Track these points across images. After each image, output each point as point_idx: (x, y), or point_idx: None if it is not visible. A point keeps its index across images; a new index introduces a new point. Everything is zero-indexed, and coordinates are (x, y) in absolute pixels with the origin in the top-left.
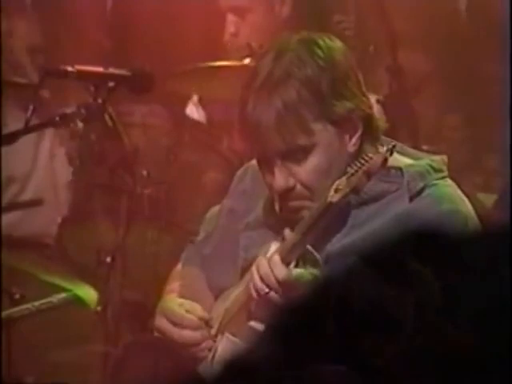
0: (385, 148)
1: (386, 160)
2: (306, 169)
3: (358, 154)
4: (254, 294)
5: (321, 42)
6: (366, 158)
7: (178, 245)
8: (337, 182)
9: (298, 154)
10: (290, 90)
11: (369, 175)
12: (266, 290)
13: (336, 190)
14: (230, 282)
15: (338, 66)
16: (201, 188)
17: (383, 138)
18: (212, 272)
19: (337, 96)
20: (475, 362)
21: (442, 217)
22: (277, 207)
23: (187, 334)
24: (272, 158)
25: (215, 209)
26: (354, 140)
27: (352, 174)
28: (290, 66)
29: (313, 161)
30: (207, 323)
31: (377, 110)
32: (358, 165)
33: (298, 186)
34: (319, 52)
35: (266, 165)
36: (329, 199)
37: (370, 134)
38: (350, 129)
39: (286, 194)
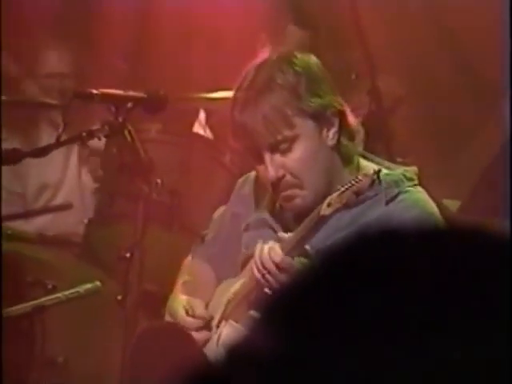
0: (372, 172)
1: (373, 182)
2: (293, 158)
3: (337, 148)
4: (259, 264)
5: (297, 55)
6: (357, 180)
7: (187, 242)
8: (329, 197)
9: (284, 144)
10: (274, 95)
11: (358, 194)
12: (272, 265)
13: (328, 205)
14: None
15: (312, 71)
16: (207, 195)
17: (366, 152)
18: (219, 269)
19: (312, 95)
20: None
21: (414, 218)
22: (272, 192)
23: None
24: (262, 151)
25: (222, 208)
26: (331, 134)
27: (343, 192)
28: (272, 73)
29: (297, 150)
30: (206, 319)
31: (356, 124)
32: (349, 184)
33: (288, 176)
34: (296, 61)
35: (258, 159)
36: (322, 212)
37: (346, 130)
38: (326, 123)
39: (278, 183)
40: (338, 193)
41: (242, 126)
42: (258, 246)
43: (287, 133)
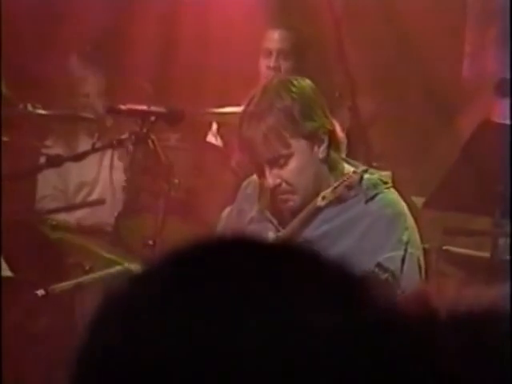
0: (361, 169)
1: (362, 177)
2: (288, 171)
3: (327, 159)
4: None
5: (294, 81)
6: (348, 176)
7: (200, 232)
8: (324, 191)
9: (281, 160)
10: (272, 118)
11: (349, 188)
12: None
13: (323, 198)
14: None
15: (306, 96)
16: (217, 193)
17: (348, 158)
18: None
19: (306, 118)
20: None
21: (389, 215)
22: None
23: None
24: (263, 164)
25: (228, 209)
26: (321, 149)
27: (336, 187)
28: (272, 99)
29: (292, 165)
30: None
31: (342, 137)
32: (341, 180)
33: (284, 184)
34: (293, 88)
35: (260, 170)
36: (317, 204)
37: (334, 144)
38: (317, 141)
39: (275, 190)
40: (331, 188)
41: (247, 140)
42: None
43: (284, 152)
